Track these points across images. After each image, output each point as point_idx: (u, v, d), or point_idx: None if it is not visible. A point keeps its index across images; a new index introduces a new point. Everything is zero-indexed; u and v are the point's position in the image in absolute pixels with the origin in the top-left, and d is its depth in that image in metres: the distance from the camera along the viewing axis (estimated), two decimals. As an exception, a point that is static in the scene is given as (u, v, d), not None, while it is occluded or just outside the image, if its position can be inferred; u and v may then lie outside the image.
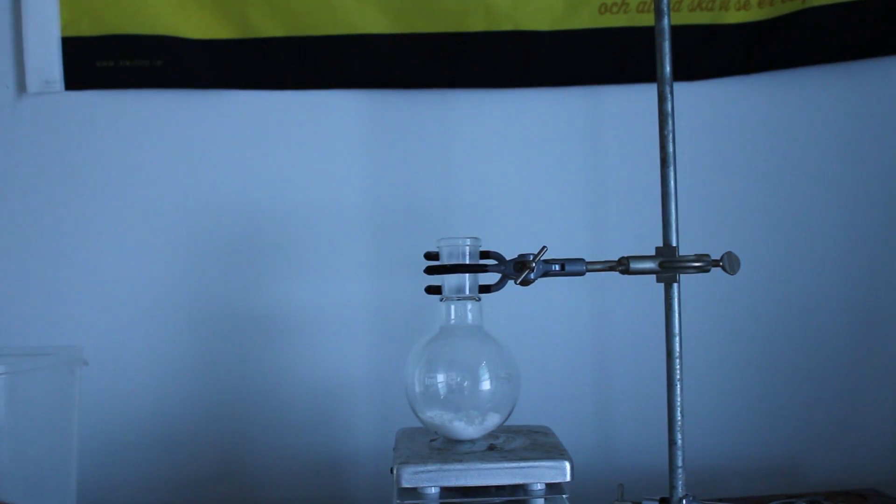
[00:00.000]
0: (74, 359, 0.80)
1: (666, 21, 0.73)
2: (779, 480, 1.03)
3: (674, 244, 0.73)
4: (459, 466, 0.66)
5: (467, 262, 0.72)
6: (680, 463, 0.73)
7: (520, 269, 0.71)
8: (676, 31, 0.76)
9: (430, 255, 0.75)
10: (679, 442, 0.73)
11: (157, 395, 1.00)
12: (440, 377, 0.70)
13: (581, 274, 0.72)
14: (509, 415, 0.72)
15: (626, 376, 1.03)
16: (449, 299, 0.72)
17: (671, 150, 0.73)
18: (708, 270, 0.71)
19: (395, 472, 0.66)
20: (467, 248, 0.71)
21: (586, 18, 1.00)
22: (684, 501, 0.73)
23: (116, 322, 0.99)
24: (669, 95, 0.73)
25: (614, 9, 1.00)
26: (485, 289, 0.73)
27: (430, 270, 0.72)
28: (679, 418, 0.73)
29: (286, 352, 1.01)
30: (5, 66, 0.97)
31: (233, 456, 1.00)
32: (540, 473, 0.66)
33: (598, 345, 1.03)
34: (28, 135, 0.98)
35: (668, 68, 0.73)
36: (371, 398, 1.01)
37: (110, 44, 0.96)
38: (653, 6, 0.75)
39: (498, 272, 0.72)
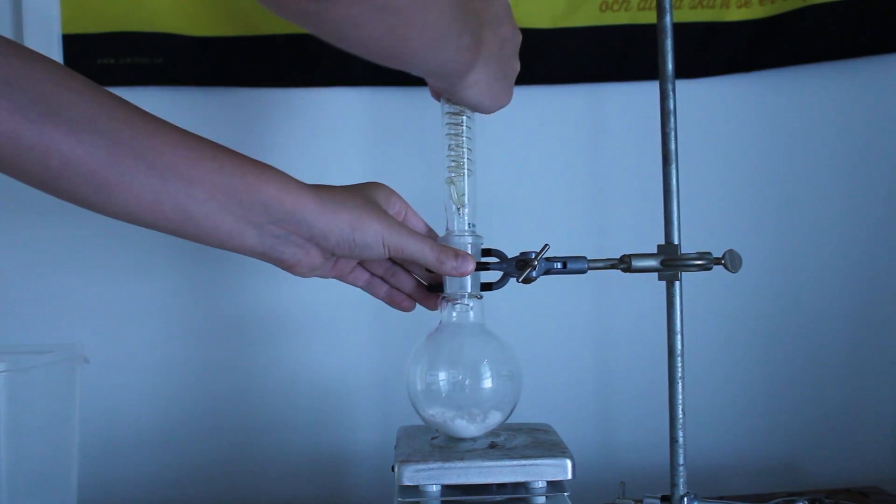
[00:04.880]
0: (75, 356, 0.81)
1: (668, 19, 0.73)
2: (780, 478, 1.03)
3: (675, 242, 0.72)
4: (461, 464, 0.66)
5: (469, 259, 0.72)
6: (681, 461, 0.73)
7: (522, 266, 0.71)
8: (678, 28, 0.75)
9: (431, 253, 0.75)
10: (680, 440, 0.73)
11: (158, 393, 1.00)
12: (442, 375, 0.70)
13: (583, 272, 0.72)
14: (511, 413, 0.72)
15: (627, 374, 1.03)
16: (450, 297, 0.72)
17: (673, 147, 0.73)
18: (710, 268, 0.71)
19: (396, 470, 0.66)
20: (469, 245, 0.71)
21: (587, 16, 1.00)
22: (685, 499, 0.73)
23: (117, 319, 0.99)
24: (671, 93, 0.73)
25: (615, 6, 0.99)
26: (486, 286, 0.73)
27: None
28: (680, 416, 0.73)
29: (287, 350, 1.01)
30: (6, 64, 0.97)
31: (234, 454, 1.00)
32: (541, 471, 0.66)
33: (599, 343, 1.03)
34: (29, 132, 0.98)
35: (670, 66, 0.73)
36: (372, 396, 1.01)
37: (111, 41, 0.96)
38: (654, 4, 0.75)
39: (500, 270, 0.72)
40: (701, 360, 0.97)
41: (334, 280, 0.72)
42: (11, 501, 0.71)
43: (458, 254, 0.68)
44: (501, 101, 0.70)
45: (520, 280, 0.71)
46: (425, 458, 0.67)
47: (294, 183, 0.63)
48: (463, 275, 0.69)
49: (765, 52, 1.00)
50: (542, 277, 0.71)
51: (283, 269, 0.66)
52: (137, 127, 0.59)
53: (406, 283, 0.74)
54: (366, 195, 0.66)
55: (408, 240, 0.66)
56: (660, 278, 0.73)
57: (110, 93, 0.60)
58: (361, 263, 0.73)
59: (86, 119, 0.57)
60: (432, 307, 0.74)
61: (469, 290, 0.71)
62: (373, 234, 0.64)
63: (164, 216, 0.60)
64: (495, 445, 0.71)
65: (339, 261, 0.70)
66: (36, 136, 0.55)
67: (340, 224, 0.63)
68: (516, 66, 0.70)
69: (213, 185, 0.60)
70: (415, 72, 0.59)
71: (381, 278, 0.74)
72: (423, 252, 0.67)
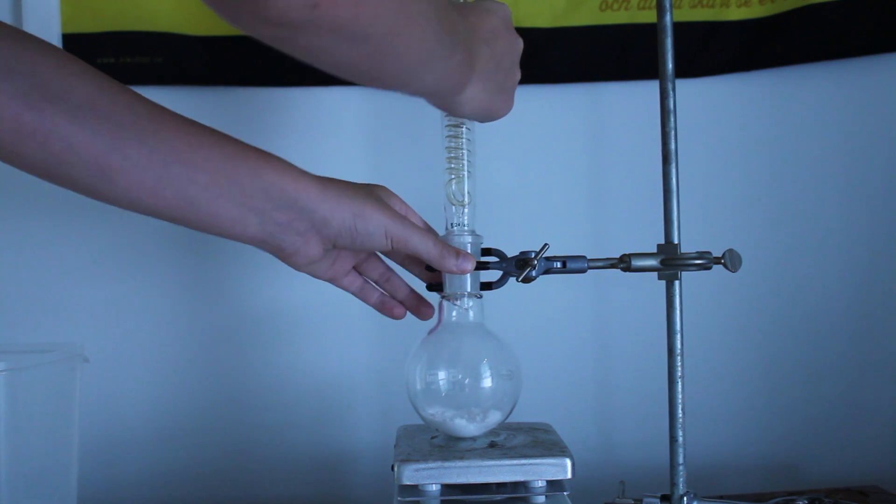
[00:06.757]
0: (75, 355, 0.80)
1: (668, 18, 0.73)
2: (780, 477, 1.03)
3: (675, 241, 0.72)
4: (460, 464, 0.66)
5: (468, 259, 0.72)
6: (681, 460, 0.73)
7: (521, 266, 0.71)
8: (678, 27, 0.75)
9: (431, 253, 0.75)
10: (680, 439, 0.73)
11: (158, 393, 1.00)
12: (441, 374, 0.70)
13: (583, 271, 0.72)
14: (510, 412, 0.72)
15: (627, 374, 1.03)
16: (450, 296, 0.72)
17: (673, 146, 0.73)
18: (710, 268, 0.71)
19: (395, 469, 0.66)
20: (468, 245, 0.71)
21: (587, 15, 1.00)
22: (685, 499, 0.73)
23: (117, 319, 0.99)
24: (671, 92, 0.73)
25: (615, 6, 0.99)
26: (486, 286, 0.73)
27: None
28: (680, 415, 0.73)
29: (287, 349, 1.01)
30: (6, 63, 0.97)
31: (234, 453, 1.00)
32: (541, 470, 0.66)
33: (599, 342, 1.03)
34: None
35: (670, 65, 0.73)
36: (372, 395, 1.01)
37: (111, 41, 0.96)
38: (654, 3, 0.75)
39: (499, 269, 0.72)
40: (701, 359, 0.97)
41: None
42: (11, 501, 0.71)
43: (459, 252, 0.68)
44: (500, 113, 0.69)
45: (519, 279, 0.71)
46: (425, 457, 0.67)
47: (297, 171, 0.63)
48: (463, 273, 0.69)
49: (765, 52, 1.00)
50: (541, 277, 0.71)
51: (281, 258, 0.65)
52: (140, 112, 0.59)
53: (400, 289, 0.74)
54: (368, 190, 0.66)
55: (411, 232, 0.65)
56: (659, 278, 0.73)
57: (111, 78, 0.59)
58: (357, 268, 0.72)
59: (87, 104, 0.56)
60: (424, 317, 0.74)
61: (469, 290, 0.71)
62: (375, 224, 0.63)
63: (165, 202, 0.59)
64: (495, 445, 0.71)
65: (336, 261, 0.70)
66: (37, 121, 0.55)
67: (342, 212, 0.62)
68: (516, 77, 0.69)
69: (215, 170, 0.59)
70: (402, 92, 0.58)
71: (376, 284, 0.74)
72: (426, 246, 0.66)
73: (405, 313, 0.75)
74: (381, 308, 0.74)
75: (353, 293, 0.74)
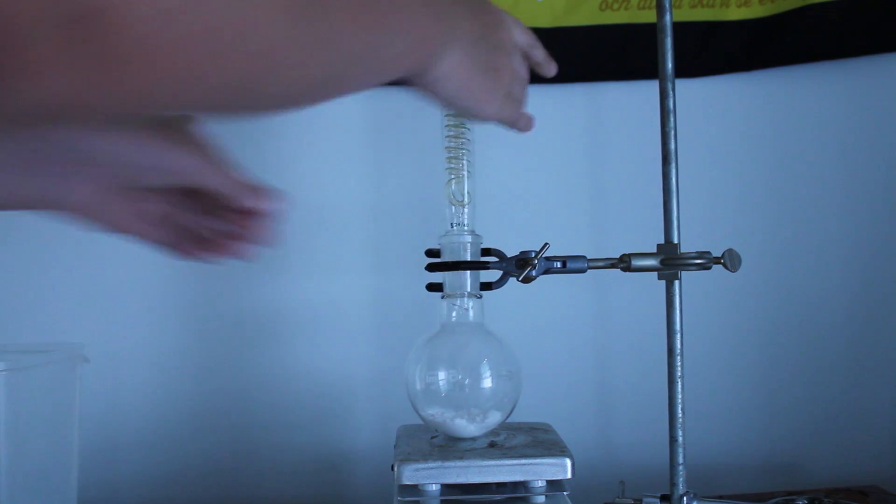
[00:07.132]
0: (75, 355, 0.80)
1: (668, 18, 0.73)
2: (780, 477, 1.03)
3: (675, 241, 0.72)
4: (460, 463, 0.66)
5: (468, 259, 0.72)
6: (681, 460, 0.73)
7: (521, 266, 0.71)
8: (678, 27, 0.75)
9: (431, 252, 0.74)
10: (680, 439, 0.73)
11: (158, 392, 1.00)
12: (441, 375, 0.70)
13: (583, 271, 0.72)
14: (511, 412, 0.72)
15: (627, 373, 1.03)
16: (450, 297, 0.72)
17: (673, 146, 0.73)
18: (709, 268, 0.71)
19: (395, 469, 0.66)
20: (468, 244, 0.71)
21: (587, 15, 1.00)
22: (685, 498, 0.73)
23: (117, 318, 0.99)
24: (671, 92, 0.73)
25: (615, 6, 0.99)
26: (486, 286, 0.73)
27: (431, 267, 0.72)
28: (680, 415, 0.73)
29: (287, 349, 1.01)
30: (5, 63, 0.97)
31: (234, 453, 1.00)
32: (541, 470, 0.66)
33: (599, 342, 1.03)
34: (28, 132, 0.98)
35: (669, 65, 0.73)
36: (372, 395, 1.01)
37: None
38: (654, 3, 0.75)
39: (499, 269, 0.72)
40: (701, 359, 0.97)
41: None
42: (11, 501, 0.71)
43: (261, 189, 0.54)
44: (486, 99, 0.57)
45: (520, 279, 0.71)
46: (425, 457, 0.67)
47: None
48: (261, 213, 0.54)
49: (764, 52, 1.00)
50: (541, 277, 0.71)
51: (63, 209, 0.54)
52: None
53: (184, 233, 0.59)
54: (161, 122, 0.52)
55: (201, 163, 0.51)
56: (659, 277, 0.73)
57: None
58: (144, 214, 0.58)
59: None
60: (228, 255, 0.56)
61: (469, 290, 0.71)
62: (159, 156, 0.50)
63: None
64: (495, 444, 0.71)
65: (120, 205, 0.56)
66: None
67: (117, 144, 0.49)
68: (509, 62, 0.59)
69: None
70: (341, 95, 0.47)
71: (165, 225, 0.59)
72: (218, 178, 0.52)
73: (195, 255, 0.58)
74: (171, 249, 0.59)
75: (142, 238, 0.59)
